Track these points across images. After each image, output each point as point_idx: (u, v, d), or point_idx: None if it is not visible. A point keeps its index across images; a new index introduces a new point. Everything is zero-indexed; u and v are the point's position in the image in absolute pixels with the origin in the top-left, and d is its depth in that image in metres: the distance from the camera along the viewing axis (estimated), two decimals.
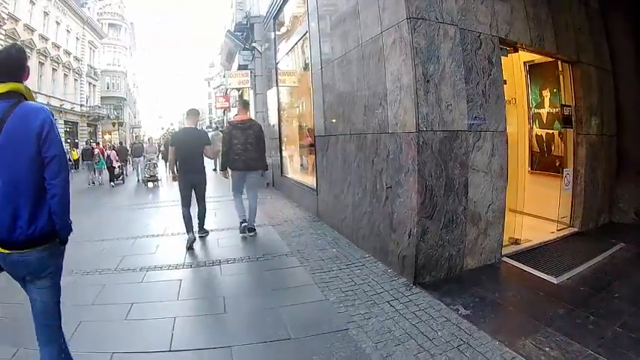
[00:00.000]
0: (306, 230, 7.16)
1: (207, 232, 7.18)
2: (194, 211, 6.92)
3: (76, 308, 4.29)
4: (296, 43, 10.10)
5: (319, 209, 7.85)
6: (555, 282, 4.51)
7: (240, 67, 15.94)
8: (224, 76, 27.72)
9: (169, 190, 14.75)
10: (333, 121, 6.80)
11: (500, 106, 5.07)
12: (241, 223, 7.08)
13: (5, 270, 2.56)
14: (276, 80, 12.14)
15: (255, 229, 7.08)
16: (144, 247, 6.73)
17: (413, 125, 4.42)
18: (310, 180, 9.03)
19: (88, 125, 44.15)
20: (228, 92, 28.15)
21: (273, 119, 12.95)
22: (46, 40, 35.06)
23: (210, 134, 12.35)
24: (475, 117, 4.81)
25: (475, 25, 4.90)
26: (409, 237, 4.61)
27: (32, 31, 32.36)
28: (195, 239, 6.71)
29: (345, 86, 6.20)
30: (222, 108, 33.02)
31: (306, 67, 9.57)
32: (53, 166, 2.46)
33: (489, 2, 5.06)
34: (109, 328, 3.86)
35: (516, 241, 5.75)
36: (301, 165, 10.76)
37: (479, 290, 4.32)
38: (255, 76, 14.98)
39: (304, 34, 8.84)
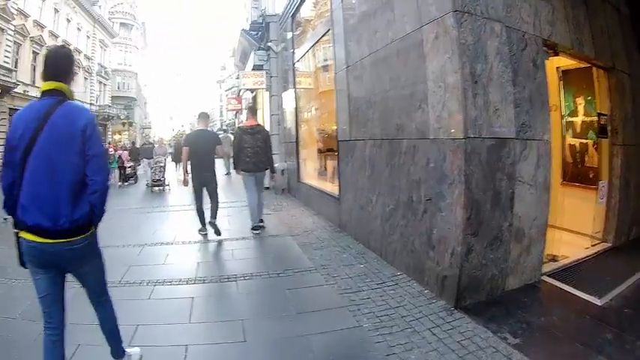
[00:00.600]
0: (328, 242, 6.69)
1: (219, 232, 7.37)
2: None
3: (73, 328, 3.86)
4: (317, 42, 9.67)
5: (342, 219, 7.40)
6: (599, 303, 4.22)
7: (255, 68, 15.57)
8: (237, 77, 27.43)
9: (179, 194, 14.39)
10: (360, 124, 6.32)
11: (545, 114, 4.71)
12: (254, 227, 7.71)
13: (38, 261, 2.70)
14: (294, 81, 11.74)
15: (262, 222, 7.84)
16: (152, 257, 6.31)
17: (460, 131, 3.98)
18: (331, 187, 8.60)
19: (98, 125, 44.08)
20: (241, 93, 27.83)
21: (289, 122, 12.55)
22: (56, 37, 35.23)
23: (219, 136, 12.42)
24: (522, 124, 4.39)
25: (520, 24, 4.52)
26: (452, 256, 4.16)
27: (42, 27, 32.61)
28: (207, 232, 7.48)
29: (376, 86, 5.75)
30: (233, 110, 32.71)
31: (327, 66, 9.19)
32: (95, 164, 2.68)
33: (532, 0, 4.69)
34: (110, 356, 3.33)
35: (554, 258, 5.40)
36: (321, 171, 10.32)
37: (524, 314, 3.96)
38: (270, 76, 14.59)
39: (326, 32, 8.43)
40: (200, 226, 7.53)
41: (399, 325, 3.78)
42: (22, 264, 2.77)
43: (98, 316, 3.21)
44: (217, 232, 7.31)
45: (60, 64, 2.83)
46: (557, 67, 6.47)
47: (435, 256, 4.43)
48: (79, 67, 40.06)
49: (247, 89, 20.04)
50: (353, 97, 6.63)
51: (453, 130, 4.08)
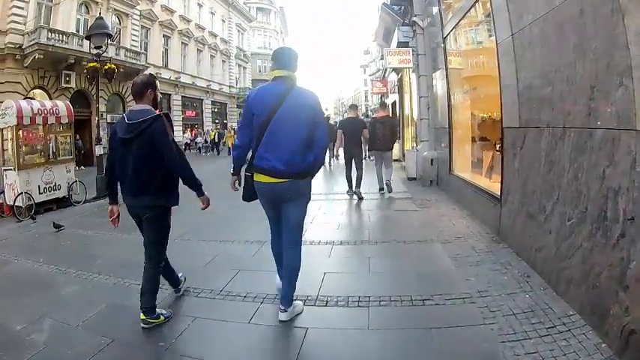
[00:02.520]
0: (484, 255, 5.74)
1: (361, 197, 10.49)
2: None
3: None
4: (469, 10, 8.59)
5: (502, 226, 6.36)
6: None
7: (400, 45, 14.96)
8: (381, 58, 26.97)
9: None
10: (534, 107, 5.19)
11: None
12: (380, 189, 10.99)
13: (269, 196, 4.08)
14: (445, 59, 10.70)
15: (389, 186, 10.95)
16: (269, 260, 5.66)
17: None
18: (490, 184, 7.56)
19: (238, 107, 47.47)
20: (386, 74, 27.18)
21: (440, 105, 11.58)
22: (188, 21, 38.84)
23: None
24: None
25: None
26: None
27: (171, 12, 35.78)
28: (353, 193, 10.64)
29: (554, 57, 4.61)
30: (379, 93, 32.29)
31: (485, 38, 8.09)
32: (320, 128, 4.00)
33: None
34: None
35: None
36: (477, 163, 9.22)
37: None
38: (417, 55, 13.86)
39: None
40: (347, 188, 10.86)
41: None
42: (246, 199, 4.23)
43: (284, 260, 4.25)
44: (360, 197, 10.45)
45: (286, 58, 4.09)
46: None
47: (625, 300, 3.28)
48: (216, 51, 42.79)
49: (393, 68, 19.45)
50: (522, 72, 5.53)
51: None
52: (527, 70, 5.36)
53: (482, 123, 8.86)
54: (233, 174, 4.37)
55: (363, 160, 11.63)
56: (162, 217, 4.19)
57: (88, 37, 14.13)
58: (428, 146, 12.97)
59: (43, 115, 11.63)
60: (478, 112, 9.19)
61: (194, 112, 41.57)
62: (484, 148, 8.67)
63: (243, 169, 4.28)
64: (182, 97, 37.76)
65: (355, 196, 10.49)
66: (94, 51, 13.52)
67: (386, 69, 26.01)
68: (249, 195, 4.16)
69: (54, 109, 12.07)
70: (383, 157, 10.93)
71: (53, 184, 11.85)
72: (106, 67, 13.87)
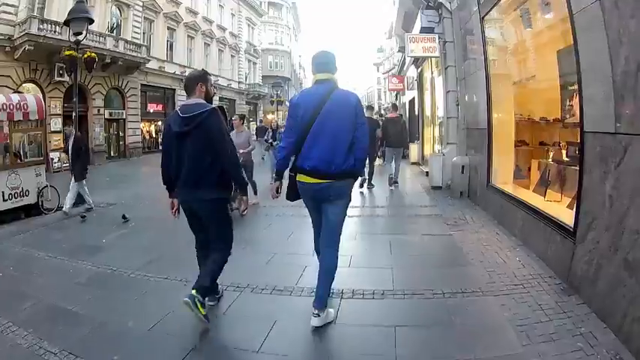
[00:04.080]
0: (557, 319, 3.97)
1: (372, 185, 12.33)
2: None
3: None
4: None
5: (575, 270, 4.61)
6: None
7: (424, 31, 13.35)
8: (398, 50, 25.58)
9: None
10: None
11: None
12: (390, 179, 12.50)
13: (310, 196, 4.24)
14: (483, 44, 8.75)
15: (397, 182, 12.58)
16: (246, 323, 4.28)
17: None
18: (557, 209, 5.71)
19: (247, 103, 47.22)
20: (404, 68, 25.69)
21: (475, 101, 9.78)
22: (195, 14, 37.82)
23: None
24: None
25: None
26: None
27: (177, 4, 34.96)
28: (364, 181, 12.01)
29: None
30: (394, 90, 30.95)
31: (545, 11, 6.47)
32: (361, 129, 4.15)
33: None
34: None
35: None
36: (528, 175, 7.50)
37: None
38: (444, 42, 12.31)
39: None
40: (359, 185, 11.78)
41: None
42: (290, 199, 4.40)
43: (320, 260, 4.30)
44: (370, 186, 12.20)
45: (326, 61, 4.30)
46: None
47: None
48: (225, 45, 42.17)
49: (413, 60, 18.31)
50: (622, 50, 3.77)
51: None
52: (634, 46, 3.60)
53: (541, 124, 7.23)
54: (276, 179, 4.42)
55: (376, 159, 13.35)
56: (222, 208, 4.37)
57: (66, 23, 12.68)
58: (457, 150, 11.32)
59: (8, 110, 10.19)
60: (531, 110, 7.58)
61: None
62: (538, 155, 7.09)
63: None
64: None
65: (367, 190, 12.14)
66: (73, 38, 12.13)
67: (403, 61, 24.71)
68: (293, 195, 4.32)
69: (22, 103, 10.58)
70: (395, 153, 12.53)
71: (20, 189, 10.40)
72: (85, 56, 12.38)
